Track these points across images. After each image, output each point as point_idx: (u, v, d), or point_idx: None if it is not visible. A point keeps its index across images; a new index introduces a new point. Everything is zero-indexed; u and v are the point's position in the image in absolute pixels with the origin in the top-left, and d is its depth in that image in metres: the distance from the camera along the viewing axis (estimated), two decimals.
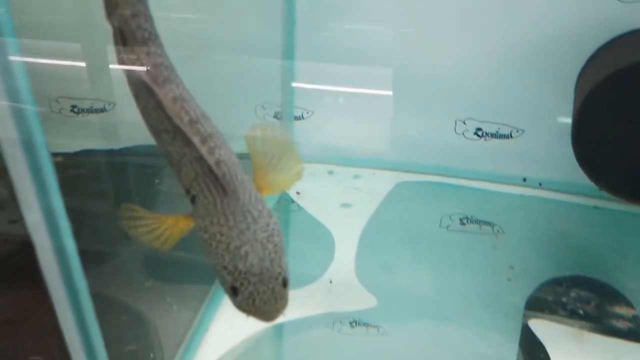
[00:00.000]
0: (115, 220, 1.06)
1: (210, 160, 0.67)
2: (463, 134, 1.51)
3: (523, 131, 1.46)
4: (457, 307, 1.09)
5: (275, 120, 1.55)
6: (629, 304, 1.01)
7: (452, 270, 1.21)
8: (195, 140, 0.68)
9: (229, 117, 1.52)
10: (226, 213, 0.67)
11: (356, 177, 1.53)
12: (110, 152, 1.51)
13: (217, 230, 0.67)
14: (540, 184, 1.48)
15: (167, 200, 1.36)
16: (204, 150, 0.68)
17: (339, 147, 1.57)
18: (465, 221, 1.41)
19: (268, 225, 0.68)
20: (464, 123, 1.49)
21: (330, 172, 1.54)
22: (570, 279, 1.12)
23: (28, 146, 0.51)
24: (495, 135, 1.49)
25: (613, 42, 1.15)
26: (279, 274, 0.67)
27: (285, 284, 0.68)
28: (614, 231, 1.36)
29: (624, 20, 1.27)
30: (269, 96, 1.54)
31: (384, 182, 1.50)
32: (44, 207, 0.53)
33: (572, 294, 1.03)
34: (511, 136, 1.48)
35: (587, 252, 1.28)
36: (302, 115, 1.56)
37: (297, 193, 1.40)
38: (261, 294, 0.68)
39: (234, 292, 0.68)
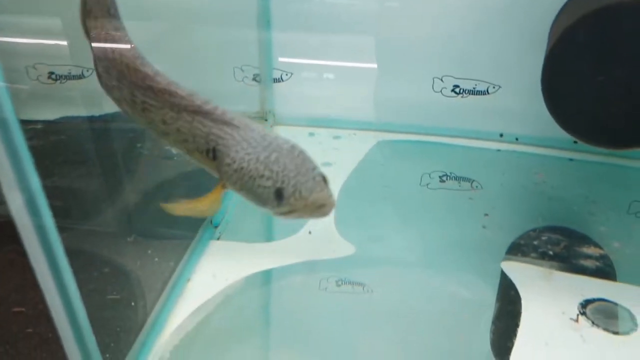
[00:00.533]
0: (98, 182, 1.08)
1: (217, 112, 0.76)
2: (441, 91, 1.52)
3: (499, 87, 1.48)
4: (435, 256, 1.12)
5: (254, 82, 1.56)
6: (597, 245, 1.05)
7: (431, 223, 1.24)
8: (199, 103, 0.77)
9: (208, 81, 1.54)
10: (247, 139, 0.73)
11: (337, 137, 1.54)
12: (91, 119, 1.51)
13: (244, 155, 0.72)
14: (517, 139, 1.51)
15: (150, 163, 1.38)
16: (209, 108, 0.77)
17: (319, 109, 1.59)
18: (445, 178, 1.44)
19: (287, 141, 0.74)
20: (442, 80, 1.51)
21: (311, 134, 1.56)
22: (544, 227, 1.15)
23: None
24: (472, 92, 1.51)
25: None
26: (314, 168, 0.71)
27: (325, 179, 0.71)
28: (588, 181, 1.40)
29: None
30: (248, 59, 1.55)
31: (364, 141, 1.52)
32: (16, 169, 0.54)
33: (544, 238, 1.06)
34: (488, 92, 1.50)
35: (561, 201, 1.31)
36: (281, 77, 1.57)
37: None
38: (305, 184, 0.69)
39: (279, 196, 0.69)
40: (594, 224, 1.24)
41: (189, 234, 1.09)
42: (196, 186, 1.25)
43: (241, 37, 1.52)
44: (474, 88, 1.50)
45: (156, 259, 1.02)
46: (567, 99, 1.04)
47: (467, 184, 1.41)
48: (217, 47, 1.51)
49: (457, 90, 1.51)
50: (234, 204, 1.21)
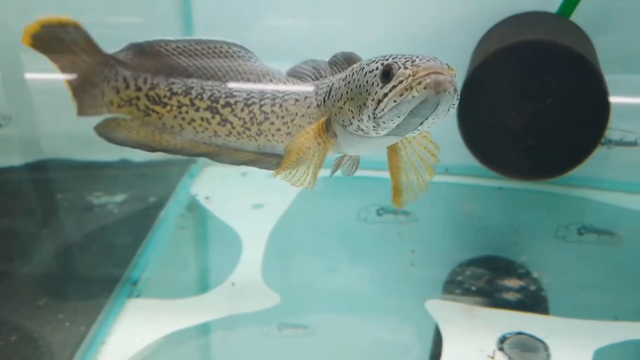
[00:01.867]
0: (11, 239, 1.00)
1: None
2: None
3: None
4: (364, 298, 1.11)
5: None
6: (518, 276, 1.06)
7: (364, 261, 1.23)
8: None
9: None
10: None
11: (269, 176, 1.52)
12: (9, 170, 1.45)
13: (355, 65, 0.67)
14: (446, 170, 1.53)
15: (69, 215, 1.32)
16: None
17: None
18: (381, 212, 1.44)
19: None
20: None
21: (244, 174, 1.53)
22: (470, 260, 1.17)
23: None
24: None
25: (494, 29, 1.21)
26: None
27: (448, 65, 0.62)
28: (517, 210, 1.43)
29: (507, 5, 1.35)
30: None
31: None
32: None
33: (468, 272, 1.07)
34: None
35: (489, 232, 1.33)
36: None
37: (206, 198, 1.38)
38: (420, 57, 0.60)
39: (386, 73, 0.60)
40: (521, 252, 1.26)
41: (105, 292, 1.04)
42: (115, 238, 1.21)
43: None
44: None
45: (67, 324, 0.96)
46: (480, 132, 1.07)
47: (402, 217, 1.42)
48: None
49: None
50: (156, 258, 1.17)
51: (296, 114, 0.74)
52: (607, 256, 1.27)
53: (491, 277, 1.06)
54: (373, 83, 0.61)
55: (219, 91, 0.78)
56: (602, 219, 1.40)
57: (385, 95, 0.59)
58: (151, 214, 1.27)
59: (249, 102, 0.77)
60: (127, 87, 0.80)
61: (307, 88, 0.76)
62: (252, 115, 0.76)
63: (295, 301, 1.06)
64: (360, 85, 0.63)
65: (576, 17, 1.27)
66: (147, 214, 1.27)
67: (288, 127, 0.75)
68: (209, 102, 0.78)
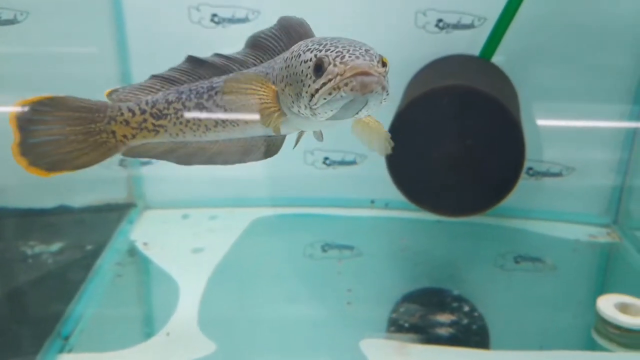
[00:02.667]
0: None
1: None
2: (313, 164, 1.57)
3: (366, 157, 1.55)
4: (299, 340, 1.10)
5: (121, 167, 1.52)
6: (455, 309, 1.09)
7: (303, 301, 1.22)
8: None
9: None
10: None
11: (212, 218, 1.52)
12: None
13: (298, 46, 0.65)
14: (386, 205, 1.57)
15: (1, 267, 1.27)
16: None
17: (193, 189, 1.57)
18: (326, 248, 1.46)
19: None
20: (312, 154, 1.56)
21: (185, 216, 1.53)
22: (406, 295, 1.19)
23: None
24: (341, 163, 1.57)
25: (420, 72, 1.27)
26: (370, 48, 0.60)
27: (383, 60, 0.61)
28: (455, 242, 1.47)
29: (434, 48, 1.42)
30: None
31: (241, 219, 1.50)
32: None
33: (402, 309, 1.09)
34: (356, 162, 1.56)
35: (426, 266, 1.36)
36: (150, 160, 1.54)
37: (145, 244, 1.36)
38: (351, 52, 0.58)
39: (318, 67, 0.59)
40: (460, 283, 1.29)
41: (33, 349, 1.00)
42: (47, 291, 1.18)
43: None
44: (342, 159, 1.56)
45: None
46: (408, 172, 1.12)
47: (347, 251, 1.44)
48: None
49: (327, 162, 1.57)
50: (90, 309, 1.13)
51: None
52: (542, 283, 1.32)
53: (426, 313, 1.08)
54: (307, 75, 0.61)
55: (203, 87, 0.80)
56: (535, 247, 1.47)
57: (317, 90, 0.60)
58: (87, 263, 1.24)
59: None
60: (134, 114, 0.83)
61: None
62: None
63: (229, 349, 1.04)
64: (296, 73, 0.63)
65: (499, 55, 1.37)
66: (83, 263, 1.24)
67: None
68: (196, 100, 0.80)
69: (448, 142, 1.07)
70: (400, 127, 1.09)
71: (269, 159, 1.50)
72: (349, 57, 0.58)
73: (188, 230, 1.44)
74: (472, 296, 1.24)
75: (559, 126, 1.47)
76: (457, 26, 1.39)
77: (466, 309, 1.10)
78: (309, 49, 0.62)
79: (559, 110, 1.45)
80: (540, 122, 1.45)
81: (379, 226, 1.53)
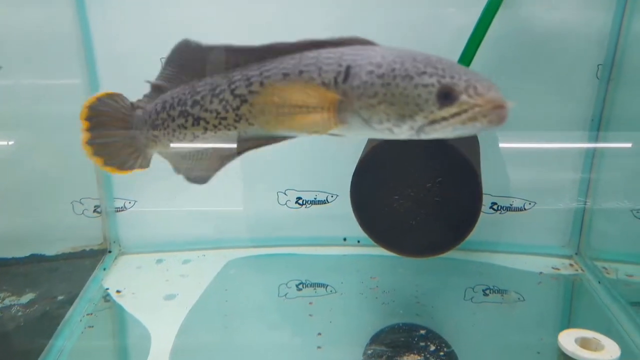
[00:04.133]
0: None
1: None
2: (286, 204, 1.60)
3: (337, 195, 1.59)
4: None
5: (95, 213, 1.53)
6: (419, 350, 1.12)
7: (273, 347, 1.22)
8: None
9: (44, 217, 1.47)
10: (386, 50, 0.65)
11: (186, 262, 1.53)
12: None
13: (394, 58, 0.62)
14: (358, 241, 1.61)
15: None
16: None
17: (166, 233, 1.58)
18: (301, 287, 1.48)
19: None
20: (285, 194, 1.59)
21: (159, 261, 1.53)
22: (375, 335, 1.21)
23: None
24: (314, 202, 1.60)
25: None
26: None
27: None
28: (426, 277, 1.49)
29: None
30: (87, 191, 1.52)
31: (215, 262, 1.52)
32: None
33: (369, 352, 1.11)
34: (327, 201, 1.60)
35: (398, 302, 1.38)
36: (124, 206, 1.55)
37: (117, 292, 1.36)
38: (480, 81, 0.56)
39: (445, 94, 0.56)
40: (431, 318, 1.32)
41: None
42: (16, 345, 1.16)
43: (79, 171, 1.50)
44: (315, 198, 1.60)
45: None
46: (373, 214, 1.16)
47: (322, 289, 1.46)
48: (52, 182, 1.48)
49: (300, 202, 1.60)
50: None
51: None
52: (510, 316, 1.35)
53: (393, 354, 1.10)
54: (427, 100, 0.58)
55: (185, 93, 0.76)
56: (503, 280, 1.51)
57: (445, 119, 0.58)
58: (59, 314, 1.23)
59: (216, 91, 0.73)
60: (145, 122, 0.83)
61: (289, 61, 0.69)
62: (224, 103, 0.72)
63: None
64: (407, 95, 0.59)
65: None
66: (54, 314, 1.23)
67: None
68: (180, 108, 0.76)
69: (410, 185, 1.11)
70: (365, 171, 1.14)
71: (244, 197, 1.55)
72: (481, 87, 0.57)
73: (162, 275, 1.45)
74: (442, 330, 1.27)
75: (522, 163, 1.53)
76: None
77: (435, 346, 1.13)
78: (424, 72, 0.59)
79: (518, 138, 1.49)
80: (503, 147, 1.51)
81: (351, 263, 1.56)
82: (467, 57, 1.29)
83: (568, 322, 1.38)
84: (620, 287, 1.37)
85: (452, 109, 0.57)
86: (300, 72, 0.67)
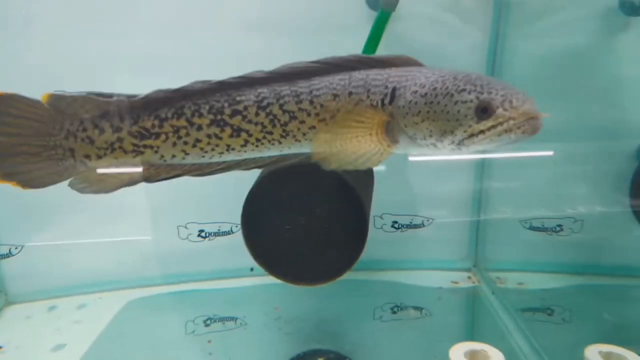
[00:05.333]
0: None
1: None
2: (188, 237, 1.56)
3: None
4: None
5: None
6: None
7: None
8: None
9: None
10: (429, 71, 0.68)
11: (81, 307, 1.44)
12: None
13: (437, 77, 0.65)
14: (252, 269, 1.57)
15: None
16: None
17: (58, 278, 1.49)
18: (208, 322, 1.43)
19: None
20: (186, 227, 1.55)
21: (52, 308, 1.44)
22: None
23: None
24: (218, 234, 1.57)
25: None
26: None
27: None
28: (333, 301, 1.49)
29: None
30: None
31: (112, 305, 1.44)
32: None
33: None
34: (232, 231, 1.57)
35: (309, 327, 1.38)
36: (10, 252, 1.45)
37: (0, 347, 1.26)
38: (515, 95, 0.61)
39: (482, 108, 0.60)
40: (338, 342, 1.32)
41: None
42: None
43: None
44: (218, 230, 1.57)
45: None
46: (265, 245, 1.14)
47: (231, 323, 1.42)
48: None
49: (203, 234, 1.56)
50: None
51: (338, 110, 0.71)
52: (420, 329, 1.39)
53: None
54: (466, 115, 0.62)
55: (218, 101, 0.70)
56: (408, 296, 1.54)
57: (482, 132, 0.62)
58: None
59: (263, 103, 0.70)
60: (102, 132, 0.69)
61: (339, 82, 0.71)
62: (271, 117, 0.70)
63: None
64: (447, 112, 0.63)
65: None
66: None
67: (327, 124, 0.70)
68: (211, 116, 0.70)
69: (300, 214, 1.12)
70: (255, 202, 1.12)
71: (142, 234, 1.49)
72: (517, 101, 0.61)
73: (52, 324, 1.35)
74: (351, 353, 1.27)
75: (420, 180, 1.58)
76: None
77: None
78: (464, 89, 0.63)
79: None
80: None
81: (259, 294, 1.53)
82: None
83: (471, 334, 1.42)
84: (511, 295, 1.44)
85: (489, 122, 0.62)
86: (350, 93, 0.70)
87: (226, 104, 0.71)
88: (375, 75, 0.70)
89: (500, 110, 0.61)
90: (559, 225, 1.54)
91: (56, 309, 1.43)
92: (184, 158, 0.73)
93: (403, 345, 1.32)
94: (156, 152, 0.72)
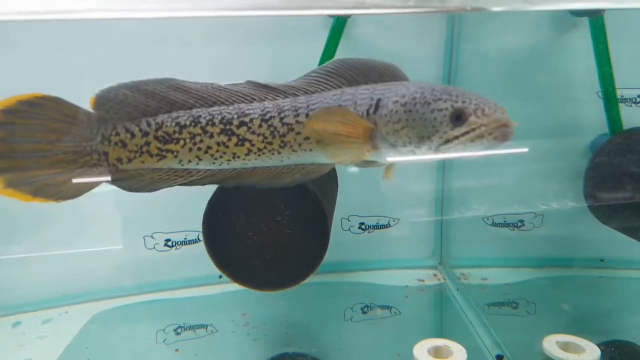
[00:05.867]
0: None
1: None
2: (155, 247, 1.55)
3: None
4: None
5: None
6: None
7: None
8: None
9: None
10: (411, 84, 0.74)
11: (46, 321, 1.42)
12: None
13: (417, 89, 0.71)
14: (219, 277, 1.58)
15: None
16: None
17: (23, 292, 1.46)
18: (180, 330, 1.43)
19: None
20: (153, 237, 1.54)
21: (16, 324, 1.41)
22: None
23: None
24: (185, 242, 1.57)
25: None
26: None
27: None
28: (302, 304, 1.51)
29: None
30: None
31: (78, 319, 1.42)
32: None
33: None
34: (199, 239, 1.57)
35: (279, 331, 1.38)
36: None
37: None
38: (487, 104, 0.65)
39: (457, 116, 0.65)
40: (309, 345, 1.33)
41: None
42: None
43: None
44: (185, 238, 1.56)
45: None
46: (228, 253, 1.15)
47: (202, 330, 1.42)
48: None
49: (169, 243, 1.56)
50: None
51: None
52: (390, 328, 1.41)
53: None
54: (442, 122, 0.68)
55: (229, 113, 0.77)
56: (377, 296, 1.56)
57: (456, 137, 0.67)
58: None
59: (266, 117, 0.77)
60: (133, 136, 0.75)
61: (332, 97, 0.79)
62: (272, 129, 0.77)
63: None
64: (425, 119, 0.69)
65: None
66: None
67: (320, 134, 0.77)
68: (222, 126, 0.76)
69: (262, 220, 1.12)
70: (215, 211, 1.13)
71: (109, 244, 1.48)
72: (488, 109, 0.66)
73: (16, 340, 1.32)
74: (322, 355, 1.29)
75: (382, 182, 1.60)
76: None
77: None
78: (439, 98, 0.69)
79: None
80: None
81: (229, 300, 1.53)
82: None
83: (439, 330, 1.45)
84: (475, 291, 1.47)
85: (463, 129, 0.67)
86: (339, 106, 0.77)
87: (235, 116, 0.78)
88: (363, 90, 0.78)
89: (472, 118, 0.66)
90: (521, 221, 1.59)
91: (20, 324, 1.40)
92: (197, 163, 0.79)
93: (374, 345, 1.34)
94: (176, 156, 0.79)
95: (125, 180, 0.81)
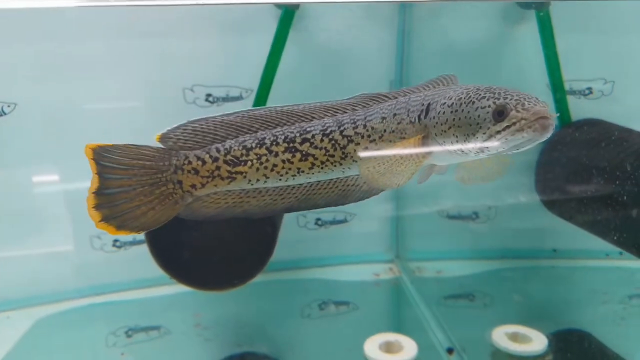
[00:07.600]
0: None
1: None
2: (102, 248, 1.50)
3: None
4: None
5: None
6: None
7: None
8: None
9: None
10: (459, 87, 0.78)
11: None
12: None
13: (463, 90, 0.76)
14: None
15: None
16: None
17: None
18: (131, 333, 1.38)
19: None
20: (99, 238, 1.49)
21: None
22: None
23: None
24: (133, 242, 1.51)
25: None
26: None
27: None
28: (256, 303, 1.47)
29: None
30: None
31: (19, 324, 1.35)
32: None
33: None
34: None
35: (233, 331, 1.37)
36: None
37: None
38: (528, 99, 0.69)
39: (499, 112, 0.69)
40: (263, 344, 1.32)
41: None
42: None
43: None
44: (133, 239, 1.51)
45: None
46: (171, 253, 1.12)
47: (155, 332, 1.38)
48: None
49: (117, 244, 1.51)
50: None
51: (384, 130, 0.82)
52: (348, 323, 1.40)
53: None
54: (485, 119, 0.71)
55: (292, 132, 0.83)
56: (334, 292, 1.55)
57: (498, 132, 0.71)
58: None
59: (327, 131, 0.83)
60: (204, 162, 0.81)
61: (387, 107, 0.84)
62: (333, 142, 0.82)
63: None
64: (470, 117, 0.73)
65: None
66: None
67: (376, 144, 0.82)
68: (285, 145, 0.82)
69: (204, 222, 1.10)
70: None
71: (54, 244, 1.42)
72: (528, 103, 0.70)
73: None
74: (278, 352, 1.27)
75: None
76: (227, 99, 1.46)
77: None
78: (483, 97, 0.73)
79: None
80: None
81: (180, 301, 1.49)
82: (265, 82, 1.32)
83: (397, 325, 1.45)
84: (430, 284, 1.48)
85: (504, 123, 0.70)
86: (394, 115, 0.82)
87: (298, 134, 0.84)
88: (415, 97, 0.84)
89: (513, 112, 0.70)
90: (475, 213, 1.59)
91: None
92: (265, 182, 0.84)
93: (331, 341, 1.33)
94: (245, 177, 0.84)
95: (200, 210, 0.87)
